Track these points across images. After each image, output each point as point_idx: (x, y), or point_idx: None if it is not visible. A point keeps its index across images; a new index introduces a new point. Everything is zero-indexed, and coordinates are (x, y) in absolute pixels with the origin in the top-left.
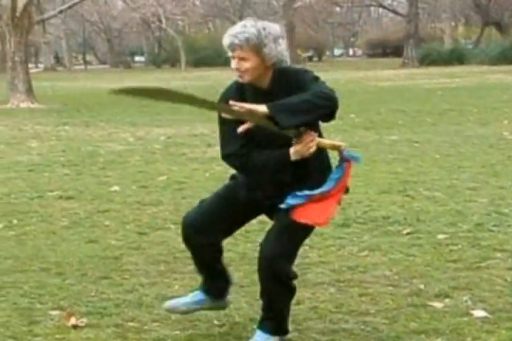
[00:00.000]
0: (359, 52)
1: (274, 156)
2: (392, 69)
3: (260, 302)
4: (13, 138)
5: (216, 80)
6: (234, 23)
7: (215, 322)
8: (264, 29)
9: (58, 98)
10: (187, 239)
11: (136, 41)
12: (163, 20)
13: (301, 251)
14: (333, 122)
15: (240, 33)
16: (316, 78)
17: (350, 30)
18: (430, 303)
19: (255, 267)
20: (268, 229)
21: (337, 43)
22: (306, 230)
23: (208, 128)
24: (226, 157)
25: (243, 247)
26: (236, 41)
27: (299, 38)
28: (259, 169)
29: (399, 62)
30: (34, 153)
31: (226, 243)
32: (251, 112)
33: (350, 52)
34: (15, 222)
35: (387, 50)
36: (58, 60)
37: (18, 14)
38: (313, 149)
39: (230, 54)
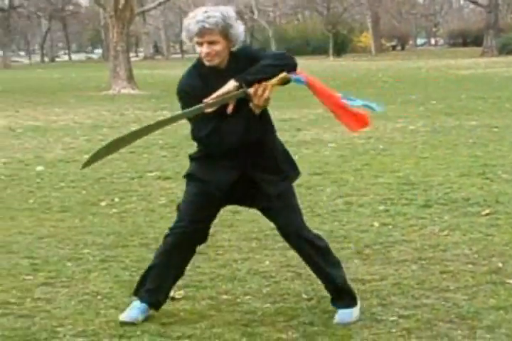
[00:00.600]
0: (441, 41)
1: (239, 120)
2: (473, 58)
3: None
4: (115, 122)
5: (304, 68)
6: (322, 14)
7: (304, 296)
8: (226, 12)
9: (157, 85)
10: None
11: None
12: (256, 12)
13: (384, 229)
14: (415, 108)
15: (207, 17)
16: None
17: (432, 20)
18: (508, 281)
19: (341, 244)
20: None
21: (419, 33)
22: (295, 195)
23: (296, 113)
24: (202, 138)
25: (330, 226)
26: (206, 26)
27: (383, 28)
28: (231, 137)
29: (479, 52)
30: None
31: (313, 221)
32: (226, 94)
33: (432, 41)
34: (116, 200)
35: (467, 39)
36: (157, 49)
37: (120, 6)
38: (267, 95)
39: (195, 40)
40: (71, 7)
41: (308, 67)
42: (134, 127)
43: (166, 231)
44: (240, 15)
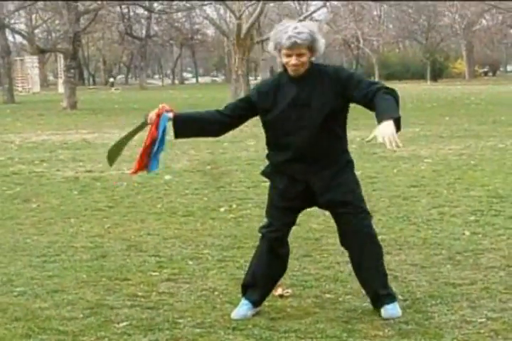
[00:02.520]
0: None
1: None
2: None
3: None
4: (234, 138)
5: (403, 91)
6: (421, 43)
7: (400, 296)
8: (313, 28)
9: None
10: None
11: (338, 59)
12: (361, 41)
13: (475, 238)
14: (505, 128)
15: (298, 33)
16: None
17: None
18: None
19: (434, 251)
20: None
21: (510, 60)
22: None
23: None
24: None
25: (424, 233)
26: (299, 41)
27: (476, 56)
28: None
29: None
30: (251, 150)
31: (409, 229)
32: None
33: None
34: (234, 206)
35: None
36: (272, 73)
37: (242, 36)
38: None
39: (284, 52)
40: (199, 36)
41: (407, 90)
42: (251, 142)
43: (260, 233)
44: (347, 44)
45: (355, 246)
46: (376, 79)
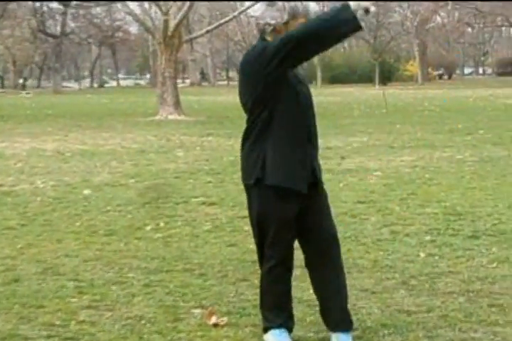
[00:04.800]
0: (488, 70)
1: None
2: None
3: None
4: (161, 148)
5: (349, 96)
6: (368, 42)
7: None
8: None
9: (203, 111)
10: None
11: None
12: None
13: (431, 260)
14: (462, 137)
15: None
16: None
17: (480, 49)
18: None
19: (386, 274)
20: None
21: (467, 62)
22: None
23: (341, 141)
24: None
25: (375, 255)
26: (316, 9)
27: (430, 57)
28: None
29: None
30: (180, 162)
31: (357, 251)
32: None
33: (480, 70)
34: (162, 224)
35: None
36: (203, 75)
37: (169, 33)
38: None
39: (301, 20)
40: (121, 34)
41: (354, 95)
42: (180, 152)
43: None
44: None
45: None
46: (319, 83)
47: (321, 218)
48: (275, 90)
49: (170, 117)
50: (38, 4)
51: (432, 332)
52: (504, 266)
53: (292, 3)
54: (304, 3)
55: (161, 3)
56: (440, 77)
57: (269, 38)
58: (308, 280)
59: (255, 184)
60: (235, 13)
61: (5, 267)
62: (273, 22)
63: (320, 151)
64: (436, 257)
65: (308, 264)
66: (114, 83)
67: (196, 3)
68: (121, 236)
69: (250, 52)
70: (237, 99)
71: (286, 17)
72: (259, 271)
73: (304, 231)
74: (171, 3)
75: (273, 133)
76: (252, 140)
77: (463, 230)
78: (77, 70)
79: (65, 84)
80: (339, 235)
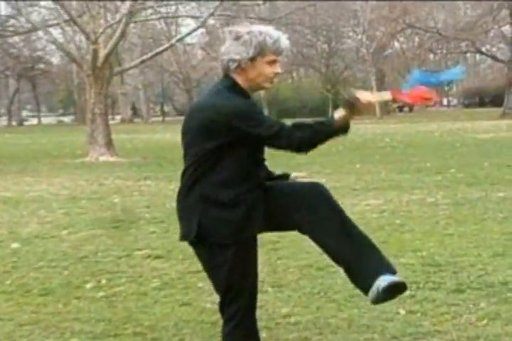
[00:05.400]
0: (454, 101)
1: None
2: (492, 120)
3: None
4: (94, 193)
5: None
6: (320, 71)
7: None
8: None
9: (137, 151)
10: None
11: None
12: None
13: (413, 318)
14: (431, 177)
15: (286, 39)
16: None
17: None
18: None
19: (364, 335)
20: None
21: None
22: None
23: None
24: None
25: (349, 313)
26: (288, 47)
27: (388, 88)
28: None
29: (498, 113)
30: (117, 209)
31: (328, 308)
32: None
33: (444, 101)
34: (103, 282)
35: (485, 99)
36: (135, 111)
37: (99, 65)
38: None
39: (270, 58)
40: (42, 65)
41: None
42: (116, 198)
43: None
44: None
45: None
46: None
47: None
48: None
49: (101, 159)
50: None
51: None
52: (495, 324)
53: (260, 38)
54: (275, 38)
55: (90, 29)
56: (400, 109)
57: (234, 75)
58: None
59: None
60: (173, 41)
61: None
62: (237, 57)
63: None
64: (419, 314)
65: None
66: (34, 121)
67: (128, 29)
68: (59, 295)
69: (213, 99)
70: (175, 138)
71: (252, 52)
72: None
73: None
74: (101, 30)
75: None
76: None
77: (445, 283)
78: None
79: None
80: (306, 290)
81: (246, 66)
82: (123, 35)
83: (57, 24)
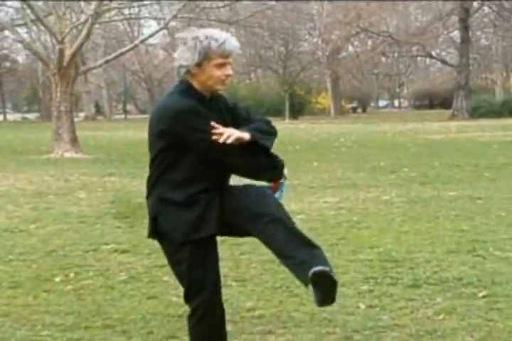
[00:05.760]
0: (405, 103)
1: None
2: (441, 121)
3: None
4: (60, 189)
5: None
6: (277, 72)
7: None
8: None
9: (101, 148)
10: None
11: None
12: None
13: (372, 312)
14: (386, 176)
15: (235, 40)
16: None
17: (396, 80)
18: None
19: (326, 329)
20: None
21: (381, 94)
22: None
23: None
24: None
25: (311, 307)
26: (236, 49)
27: (343, 89)
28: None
29: (447, 114)
30: (83, 204)
31: (291, 302)
32: (238, 139)
33: (396, 103)
34: (72, 275)
35: (434, 101)
36: (98, 109)
37: (65, 64)
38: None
39: (217, 62)
40: (7, 64)
41: None
42: (82, 194)
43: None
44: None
45: None
46: None
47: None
48: None
49: (66, 155)
50: None
51: None
52: (452, 318)
53: (205, 43)
54: (220, 41)
55: (56, 29)
56: (354, 110)
57: (188, 79)
58: (243, 336)
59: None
60: (136, 42)
61: None
62: (185, 63)
63: None
64: (378, 309)
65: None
66: (0, 117)
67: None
68: (28, 288)
69: (164, 102)
70: (137, 135)
71: (197, 58)
72: (187, 327)
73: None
74: (67, 30)
75: None
76: None
77: (402, 279)
78: None
79: None
80: (268, 285)
81: (195, 71)
82: (88, 35)
83: (25, 24)
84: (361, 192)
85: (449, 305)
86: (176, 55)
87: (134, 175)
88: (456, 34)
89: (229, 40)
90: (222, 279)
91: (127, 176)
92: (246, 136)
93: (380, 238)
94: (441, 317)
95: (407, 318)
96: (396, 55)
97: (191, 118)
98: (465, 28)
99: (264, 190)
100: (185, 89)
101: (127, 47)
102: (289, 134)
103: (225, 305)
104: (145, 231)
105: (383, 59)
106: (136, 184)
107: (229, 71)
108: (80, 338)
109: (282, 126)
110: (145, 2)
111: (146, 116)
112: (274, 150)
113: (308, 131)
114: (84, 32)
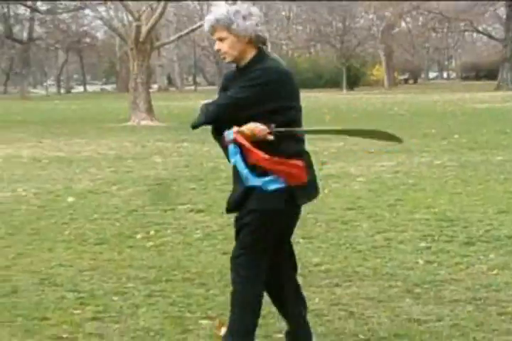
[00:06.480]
0: (453, 75)
1: None
2: (487, 91)
3: None
4: (138, 154)
5: (314, 102)
6: (335, 47)
7: (361, 336)
8: (232, 9)
9: (174, 116)
10: None
11: None
12: (269, 45)
13: (430, 267)
14: (437, 142)
15: (211, 16)
16: (252, 85)
17: (445, 54)
18: None
19: (390, 282)
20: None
21: (431, 67)
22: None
23: (317, 146)
24: None
25: (373, 262)
26: (210, 23)
27: (396, 62)
28: None
29: (493, 85)
30: (160, 168)
31: (354, 258)
32: None
33: (445, 75)
34: (152, 232)
35: (480, 73)
36: (170, 81)
37: (141, 39)
38: None
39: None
40: (87, 39)
41: (322, 100)
42: (158, 159)
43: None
44: None
45: None
46: None
47: None
48: None
49: (143, 123)
50: (5, 9)
51: None
52: (505, 273)
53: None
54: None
55: (133, 9)
56: (406, 81)
57: None
58: (311, 289)
59: None
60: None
61: (1, 278)
62: None
63: None
64: (435, 264)
65: None
66: (81, 88)
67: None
68: (113, 245)
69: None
70: None
71: None
72: None
73: None
74: (143, 8)
75: None
76: None
77: (457, 236)
78: (44, 76)
79: (31, 89)
80: (333, 242)
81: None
82: (163, 13)
83: (105, 2)
84: (415, 157)
85: (502, 261)
86: None
87: (203, 141)
88: (502, 10)
89: (205, 20)
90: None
91: (198, 142)
92: None
93: (435, 199)
94: (495, 272)
95: (463, 273)
96: (445, 30)
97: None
98: (510, 5)
99: None
100: None
101: (197, 24)
102: (347, 104)
103: None
104: (217, 193)
105: (433, 34)
106: (207, 149)
107: (215, 46)
108: (162, 290)
109: (339, 96)
110: None
111: (215, 87)
112: (334, 118)
113: (363, 101)
114: (159, 10)
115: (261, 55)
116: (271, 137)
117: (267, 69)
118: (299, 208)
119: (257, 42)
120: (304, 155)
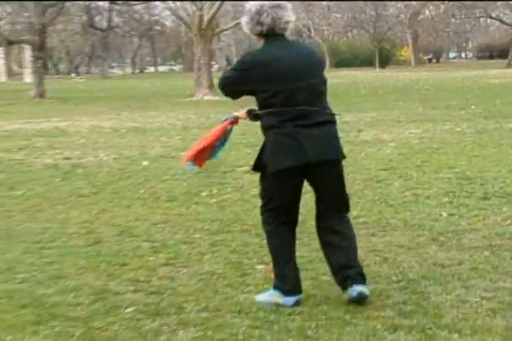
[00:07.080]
0: (470, 55)
1: None
2: (499, 69)
3: None
4: (202, 124)
5: (351, 78)
6: (369, 32)
7: (394, 278)
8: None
9: None
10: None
11: None
12: (312, 31)
13: (452, 219)
14: (457, 112)
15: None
16: (232, 68)
17: (463, 37)
18: None
19: (417, 232)
20: None
21: (452, 48)
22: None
23: (354, 116)
24: None
25: (403, 215)
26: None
27: (421, 44)
28: None
29: (504, 64)
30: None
31: (387, 211)
32: None
33: (463, 55)
34: (215, 191)
35: (493, 53)
36: (229, 62)
37: (203, 26)
38: None
39: None
40: (158, 27)
41: (359, 77)
42: None
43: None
44: (298, 33)
45: None
46: (327, 67)
47: None
48: None
49: (206, 98)
50: (87, 2)
51: (466, 282)
52: None
53: None
54: None
55: (197, 1)
56: (430, 61)
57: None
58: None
59: None
60: None
61: (86, 230)
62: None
63: (340, 126)
64: (457, 216)
65: None
66: (152, 69)
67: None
68: (182, 201)
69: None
70: None
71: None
72: (307, 230)
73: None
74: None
75: None
76: None
77: (475, 192)
78: (121, 58)
79: (110, 70)
80: (369, 198)
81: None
82: (222, 4)
83: None
84: (438, 125)
85: None
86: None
87: None
88: None
89: None
90: None
91: None
92: None
93: (456, 161)
94: (508, 222)
95: (481, 224)
96: (463, 16)
97: None
98: None
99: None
100: None
101: None
102: (379, 80)
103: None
104: None
105: (453, 20)
106: None
107: None
108: (224, 239)
109: (373, 74)
110: None
111: None
112: (369, 92)
113: (393, 77)
114: (218, 2)
115: (264, 44)
116: (247, 119)
117: (244, 56)
118: (287, 172)
119: (260, 35)
120: (281, 127)
